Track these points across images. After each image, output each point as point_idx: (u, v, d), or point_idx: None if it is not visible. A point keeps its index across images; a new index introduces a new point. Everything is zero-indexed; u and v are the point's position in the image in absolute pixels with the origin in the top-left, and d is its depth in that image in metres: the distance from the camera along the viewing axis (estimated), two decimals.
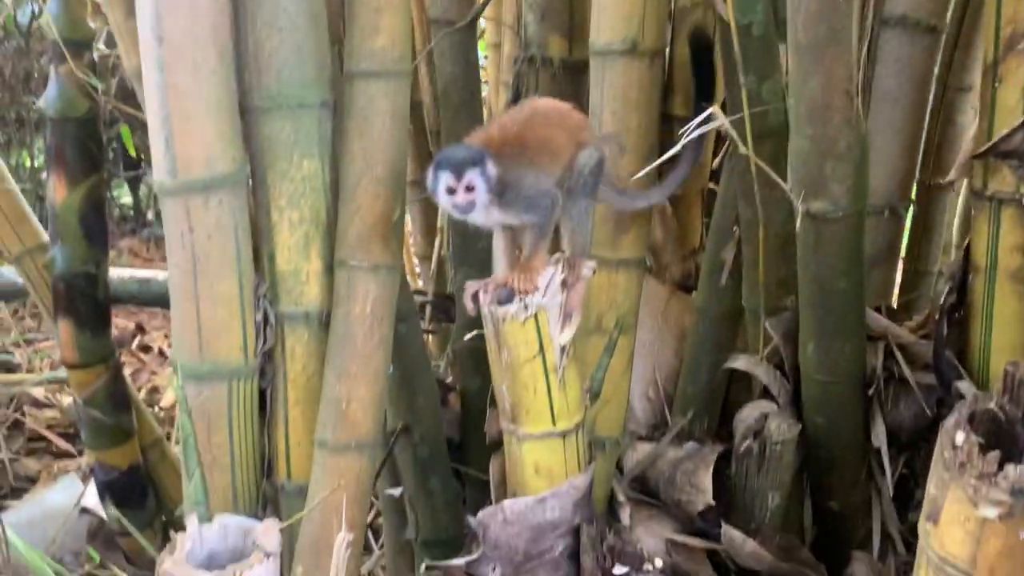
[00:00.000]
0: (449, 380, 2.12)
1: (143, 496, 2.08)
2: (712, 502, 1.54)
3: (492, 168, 1.30)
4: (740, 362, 1.69)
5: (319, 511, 1.38)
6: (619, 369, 1.64)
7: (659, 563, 1.46)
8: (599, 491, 1.58)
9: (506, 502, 1.42)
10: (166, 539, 2.11)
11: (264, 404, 1.51)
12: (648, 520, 1.65)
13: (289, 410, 1.49)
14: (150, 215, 4.92)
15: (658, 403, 2.05)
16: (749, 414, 1.64)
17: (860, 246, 1.50)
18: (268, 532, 0.91)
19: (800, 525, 1.78)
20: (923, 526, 1.08)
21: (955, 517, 1.02)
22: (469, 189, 1.29)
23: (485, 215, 1.33)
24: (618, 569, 1.46)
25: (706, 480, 1.58)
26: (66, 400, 3.19)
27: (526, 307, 1.30)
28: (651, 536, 1.61)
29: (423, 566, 1.50)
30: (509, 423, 1.41)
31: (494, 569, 1.42)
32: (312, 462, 1.48)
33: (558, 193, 1.36)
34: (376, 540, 2.13)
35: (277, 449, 1.51)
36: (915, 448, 1.78)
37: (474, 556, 1.40)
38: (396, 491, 1.98)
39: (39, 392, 3.10)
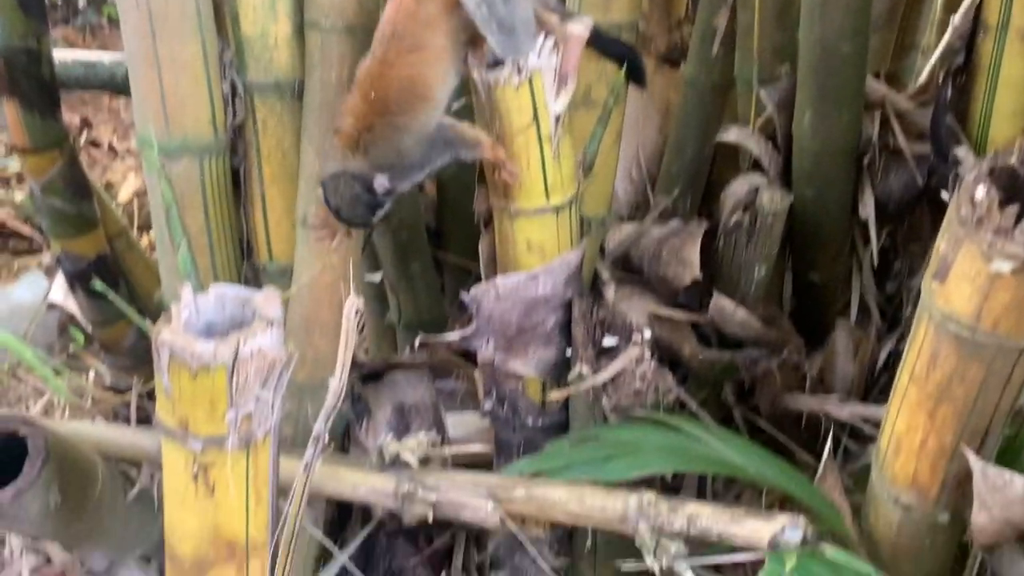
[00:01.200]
0: None
1: (114, 286, 2.02)
2: (699, 275, 1.54)
3: (382, 188, 1.18)
4: (732, 134, 1.64)
5: (308, 290, 1.35)
6: (608, 143, 1.57)
7: (647, 334, 1.47)
8: (584, 270, 1.56)
9: (498, 278, 1.39)
10: (140, 331, 2.08)
11: (239, 183, 1.44)
12: (631, 297, 1.65)
13: (266, 189, 1.42)
14: (81, 1, 4.54)
15: (640, 183, 2.01)
16: (739, 187, 1.61)
17: (868, 7, 1.42)
18: (269, 301, 0.87)
19: (780, 298, 1.81)
20: (928, 285, 1.08)
21: (965, 273, 1.01)
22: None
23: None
24: (607, 340, 1.47)
25: (693, 254, 1.57)
26: (19, 196, 3.06)
27: (519, 70, 1.21)
28: (635, 312, 1.61)
29: (417, 340, 1.49)
30: (500, 199, 1.35)
31: (487, 343, 1.42)
32: (294, 242, 1.43)
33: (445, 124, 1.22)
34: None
35: (256, 229, 1.45)
36: (899, 220, 1.78)
37: (468, 332, 1.39)
38: (376, 276, 1.96)
39: None
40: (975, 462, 1.12)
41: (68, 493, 1.16)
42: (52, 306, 2.54)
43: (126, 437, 1.39)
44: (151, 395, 1.83)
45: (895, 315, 1.84)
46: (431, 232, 2.02)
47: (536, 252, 1.38)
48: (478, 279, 1.48)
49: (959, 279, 1.02)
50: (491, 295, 1.39)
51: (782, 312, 1.74)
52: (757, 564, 1.22)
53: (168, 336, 0.85)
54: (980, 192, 0.96)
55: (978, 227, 0.97)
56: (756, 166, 1.69)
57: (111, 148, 3.43)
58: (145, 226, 2.79)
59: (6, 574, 1.82)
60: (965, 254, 0.99)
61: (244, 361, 0.85)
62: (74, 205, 1.90)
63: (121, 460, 1.40)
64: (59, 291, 2.49)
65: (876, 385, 1.77)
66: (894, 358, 1.79)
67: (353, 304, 0.85)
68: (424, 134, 1.20)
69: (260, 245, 1.46)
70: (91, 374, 2.22)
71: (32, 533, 1.17)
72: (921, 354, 1.12)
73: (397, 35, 1.15)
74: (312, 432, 0.97)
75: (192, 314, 0.89)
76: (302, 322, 1.40)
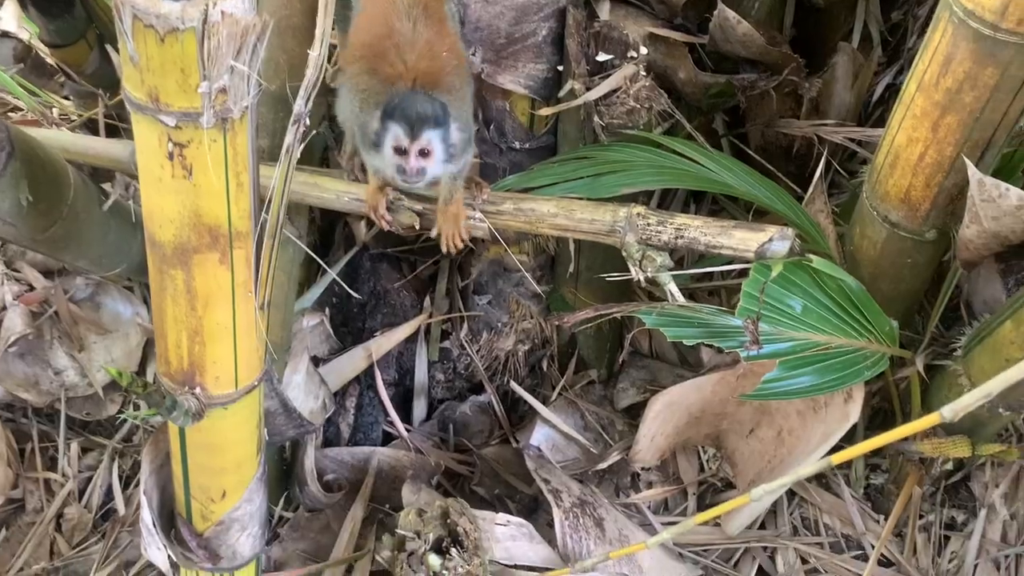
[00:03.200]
0: None
1: (69, 3, 1.87)
2: None
3: (456, 131, 1.09)
4: None
5: None
6: None
7: (644, 51, 1.39)
8: None
9: None
10: (103, 53, 1.95)
11: None
12: (626, 18, 1.55)
13: None
14: None
15: None
16: None
17: None
18: None
19: (780, 26, 1.71)
20: None
21: None
22: (424, 154, 1.10)
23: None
24: (602, 56, 1.39)
25: None
26: None
27: None
28: (631, 30, 1.52)
29: None
30: None
31: (474, 52, 1.34)
32: None
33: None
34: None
35: None
36: None
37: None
38: None
39: None
40: (973, 173, 1.10)
41: (40, 193, 1.12)
42: (5, 35, 2.38)
43: (96, 145, 1.33)
44: (120, 109, 1.75)
45: (896, 48, 1.76)
46: None
47: None
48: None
49: None
50: None
51: (784, 38, 1.65)
52: (737, 288, 1.24)
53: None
54: None
55: None
56: None
57: None
58: None
59: None
60: None
61: (215, 25, 0.78)
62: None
63: (92, 168, 1.35)
64: (11, 19, 2.32)
65: (870, 119, 1.72)
66: (891, 91, 1.73)
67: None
68: (467, 112, 1.20)
69: None
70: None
71: (9, 234, 1.14)
72: (934, 59, 1.07)
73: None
74: (287, 134, 0.91)
75: None
76: (273, 26, 1.29)
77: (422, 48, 1.11)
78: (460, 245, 1.24)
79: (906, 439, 1.35)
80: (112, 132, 1.73)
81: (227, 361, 1.00)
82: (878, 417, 1.53)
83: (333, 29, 1.13)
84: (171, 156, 0.84)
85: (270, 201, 0.94)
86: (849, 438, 1.37)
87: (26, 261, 1.92)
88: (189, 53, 0.79)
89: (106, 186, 1.50)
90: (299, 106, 0.86)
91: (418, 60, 1.11)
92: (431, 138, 1.10)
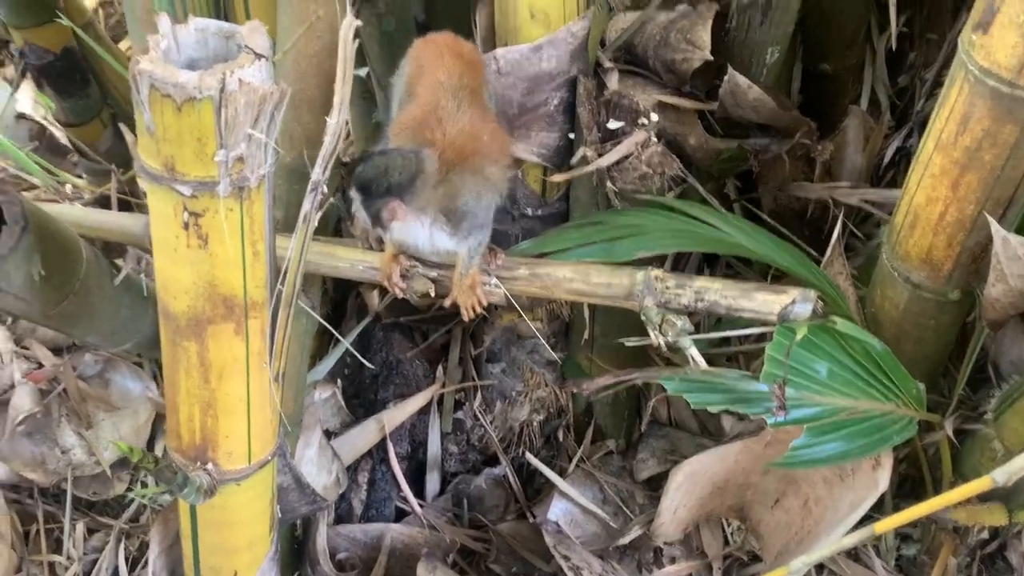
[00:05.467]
0: None
1: (84, 83, 1.90)
2: (711, 57, 1.45)
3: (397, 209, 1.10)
4: None
5: (293, 62, 1.25)
6: None
7: (654, 117, 1.39)
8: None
9: (499, 51, 1.30)
10: (117, 132, 1.98)
11: None
12: (635, 87, 1.56)
13: None
14: None
15: None
16: None
17: None
18: (255, 33, 0.78)
19: (788, 91, 1.73)
20: (966, 39, 1.01)
21: (1012, 20, 0.94)
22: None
23: (428, 241, 1.17)
24: (612, 123, 1.40)
25: (705, 35, 1.47)
26: None
27: None
28: (641, 97, 1.53)
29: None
30: None
31: None
32: (274, 8, 1.31)
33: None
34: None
35: None
36: (919, 5, 1.68)
37: None
38: (362, 71, 1.85)
39: None
40: (997, 231, 1.09)
41: (52, 267, 1.11)
42: (21, 116, 2.42)
43: (108, 219, 1.33)
44: (132, 185, 1.76)
45: (905, 111, 1.77)
46: (419, 24, 1.90)
47: (540, 21, 1.28)
48: None
49: (1004, 27, 0.95)
50: (492, 69, 1.30)
51: (792, 103, 1.66)
52: (756, 353, 1.21)
53: (147, 65, 0.77)
54: None
55: None
56: None
57: None
58: (115, 37, 2.61)
59: None
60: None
61: (232, 93, 0.78)
62: None
63: (104, 243, 1.34)
64: (26, 101, 2.37)
65: (881, 181, 1.72)
66: (901, 154, 1.74)
67: (351, 23, 0.76)
68: (491, 193, 1.22)
69: (237, 7, 1.35)
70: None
71: (21, 309, 1.12)
72: (951, 117, 1.06)
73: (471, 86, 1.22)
74: (303, 202, 0.90)
75: (172, 46, 0.80)
76: (288, 99, 1.30)
77: (463, 125, 1.15)
78: (479, 310, 1.23)
79: None
80: (124, 207, 1.74)
81: (240, 435, 0.97)
82: (906, 484, 1.49)
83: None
84: (186, 225, 0.83)
85: (285, 271, 0.93)
86: (878, 506, 1.33)
87: (35, 338, 1.90)
88: (206, 122, 0.78)
89: (118, 261, 1.50)
90: (317, 174, 0.85)
91: (456, 135, 1.15)
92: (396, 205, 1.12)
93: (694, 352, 1.17)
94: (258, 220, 0.87)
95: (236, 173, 0.82)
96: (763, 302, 1.15)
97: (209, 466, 0.96)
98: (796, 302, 1.14)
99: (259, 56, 0.79)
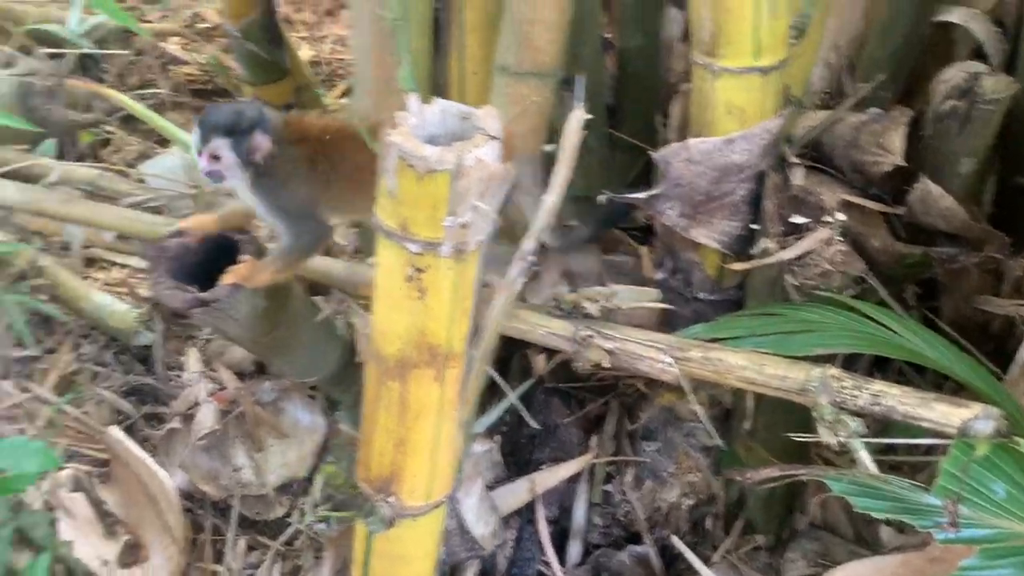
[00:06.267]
0: (608, 36, 1.99)
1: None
2: (903, 162, 1.46)
3: (261, 141, 1.12)
4: (955, 15, 1.52)
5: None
6: (817, 15, 1.49)
7: (840, 216, 1.41)
8: None
9: (692, 140, 1.36)
10: None
11: (438, 30, 1.44)
12: (821, 184, 1.58)
13: (466, 36, 1.42)
14: None
15: (837, 69, 1.90)
16: (954, 73, 1.49)
17: None
18: (490, 116, 0.88)
19: (979, 202, 1.69)
20: None
21: None
22: (214, 158, 1.14)
23: (245, 194, 1.18)
24: (797, 218, 1.42)
25: (897, 140, 1.48)
26: (202, 56, 3.20)
27: None
28: (826, 195, 1.55)
29: (601, 197, 1.47)
30: (703, 55, 1.31)
31: (672, 207, 1.40)
32: (489, 91, 1.43)
33: (327, 231, 1.22)
34: None
35: (451, 78, 1.46)
36: None
37: (654, 191, 1.37)
38: (551, 148, 1.95)
39: (176, 49, 3.10)
40: None
41: (271, 299, 1.24)
42: None
43: (316, 262, 1.45)
44: None
45: None
46: (608, 108, 1.99)
47: (736, 116, 1.34)
48: (649, 162, 1.45)
49: None
50: (683, 156, 1.36)
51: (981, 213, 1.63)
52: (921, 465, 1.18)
53: (398, 138, 0.87)
54: None
55: None
56: (976, 56, 1.57)
57: (287, 20, 3.51)
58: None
59: (185, 396, 1.98)
60: None
61: (467, 169, 0.87)
62: (268, 52, 1.97)
63: (310, 282, 1.47)
64: None
65: None
66: None
67: (580, 116, 0.84)
68: (320, 208, 1.23)
69: (453, 94, 1.47)
70: None
71: (237, 335, 1.26)
72: None
73: None
74: (511, 268, 0.98)
75: (418, 123, 0.91)
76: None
77: (353, 143, 1.13)
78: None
79: None
80: None
81: (424, 473, 1.05)
82: None
83: None
84: (410, 279, 0.93)
85: (481, 327, 1.01)
86: None
87: (222, 361, 2.07)
88: (441, 191, 0.88)
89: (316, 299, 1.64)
90: (528, 245, 0.93)
91: (336, 136, 1.17)
92: (219, 146, 1.13)
93: (864, 455, 1.16)
94: (468, 280, 0.95)
95: (459, 238, 0.90)
96: (943, 413, 1.13)
97: (392, 499, 1.04)
98: (979, 417, 1.11)
99: (492, 137, 0.88)
